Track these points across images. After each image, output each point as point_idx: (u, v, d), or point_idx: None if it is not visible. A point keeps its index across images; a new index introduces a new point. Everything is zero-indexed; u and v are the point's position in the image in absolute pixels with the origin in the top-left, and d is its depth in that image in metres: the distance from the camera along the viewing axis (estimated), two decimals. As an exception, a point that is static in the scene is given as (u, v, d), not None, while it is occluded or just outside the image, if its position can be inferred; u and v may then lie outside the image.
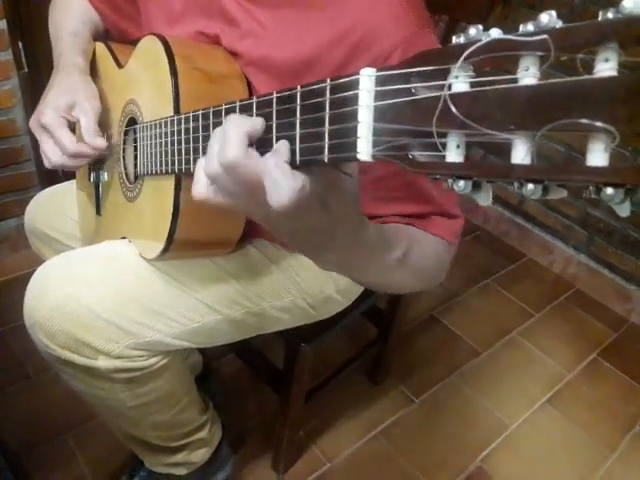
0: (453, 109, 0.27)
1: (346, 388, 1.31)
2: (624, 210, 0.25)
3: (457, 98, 0.28)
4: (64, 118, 0.74)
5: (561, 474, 1.26)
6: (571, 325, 1.67)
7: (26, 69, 1.44)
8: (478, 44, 0.26)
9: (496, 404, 1.39)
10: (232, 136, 0.39)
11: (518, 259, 1.91)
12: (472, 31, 0.27)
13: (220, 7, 0.70)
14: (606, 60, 0.23)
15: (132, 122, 0.76)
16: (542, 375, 1.49)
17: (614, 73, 0.23)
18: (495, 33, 0.27)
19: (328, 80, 0.36)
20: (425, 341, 1.54)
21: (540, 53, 0.25)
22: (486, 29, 0.28)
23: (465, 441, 1.29)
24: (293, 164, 0.39)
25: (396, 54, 0.60)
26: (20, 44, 1.40)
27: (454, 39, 0.28)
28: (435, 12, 1.08)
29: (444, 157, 0.29)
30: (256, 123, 0.41)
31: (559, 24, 0.25)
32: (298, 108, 0.38)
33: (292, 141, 0.39)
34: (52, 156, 0.74)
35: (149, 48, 0.70)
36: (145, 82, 0.72)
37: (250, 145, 0.40)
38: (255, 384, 1.33)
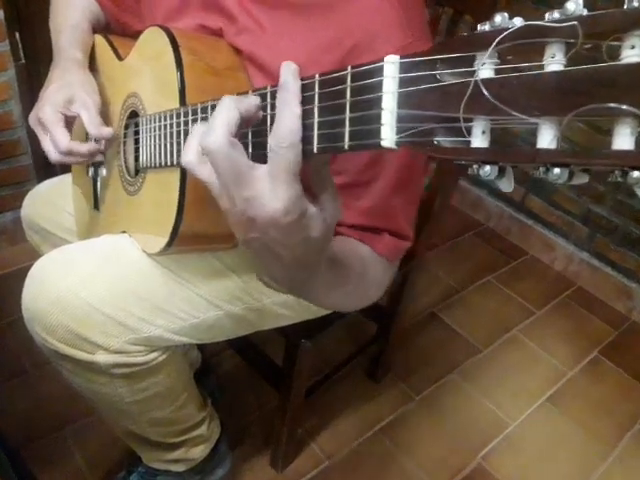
0: (486, 93, 0.27)
1: (346, 385, 1.31)
2: None
3: (485, 83, 0.28)
4: (62, 114, 0.73)
5: (561, 472, 1.26)
6: (572, 323, 1.66)
7: (23, 60, 1.42)
8: (509, 30, 0.26)
9: (496, 402, 1.38)
10: (217, 123, 0.39)
11: (520, 256, 1.90)
12: (498, 19, 0.27)
13: (218, 2, 0.70)
14: (632, 47, 0.24)
15: (133, 115, 0.75)
16: (543, 373, 1.49)
17: None
18: (518, 22, 0.27)
19: (349, 67, 0.36)
20: (425, 338, 1.54)
21: (567, 40, 0.25)
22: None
23: (465, 439, 1.29)
24: (310, 152, 0.39)
25: None
26: (17, 35, 1.39)
27: (479, 27, 0.28)
28: (439, 4, 1.07)
29: (469, 143, 0.29)
30: (250, 103, 0.42)
31: (585, 12, 0.25)
32: (316, 96, 0.38)
33: (310, 128, 0.39)
34: (52, 153, 0.73)
35: (153, 39, 0.69)
36: (148, 74, 0.71)
37: (246, 126, 0.42)
38: (254, 381, 1.32)
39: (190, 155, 0.42)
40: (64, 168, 0.98)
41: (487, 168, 0.29)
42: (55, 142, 0.71)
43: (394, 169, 0.64)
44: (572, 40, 0.25)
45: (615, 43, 0.24)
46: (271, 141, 0.38)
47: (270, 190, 0.39)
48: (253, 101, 0.42)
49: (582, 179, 0.27)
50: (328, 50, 0.62)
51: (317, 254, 0.46)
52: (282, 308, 0.84)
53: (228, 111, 0.40)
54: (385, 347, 1.32)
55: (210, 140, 0.39)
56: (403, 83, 0.33)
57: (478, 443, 1.28)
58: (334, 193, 0.43)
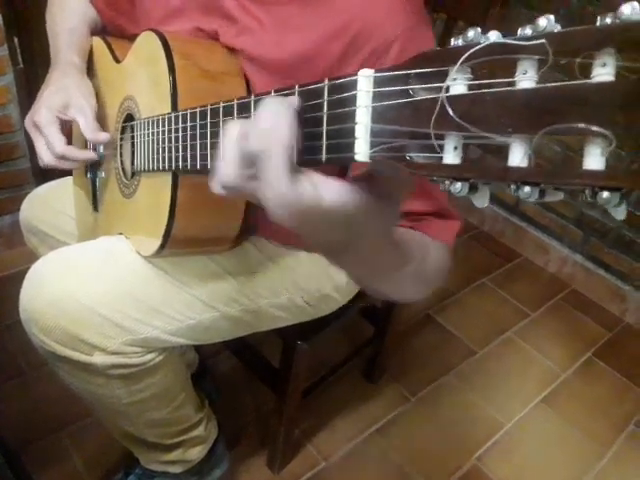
0: (450, 111, 0.27)
1: (342, 386, 1.31)
2: (620, 213, 0.25)
3: (454, 100, 0.28)
4: (58, 117, 0.73)
5: (556, 472, 1.27)
6: (566, 325, 1.67)
7: (21, 65, 1.43)
8: (476, 47, 0.26)
9: (491, 403, 1.39)
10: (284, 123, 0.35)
11: (514, 259, 1.91)
12: (470, 33, 0.27)
13: (218, 4, 0.70)
14: (603, 65, 0.23)
15: (129, 118, 0.76)
16: (537, 374, 1.50)
17: (611, 78, 0.23)
18: (494, 36, 0.27)
19: (326, 80, 0.36)
20: (421, 340, 1.54)
21: (538, 57, 0.25)
22: (485, 30, 0.27)
23: (461, 439, 1.30)
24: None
25: (394, 48, 0.60)
26: (16, 40, 1.40)
27: (452, 41, 0.28)
28: (433, 11, 1.08)
29: (441, 159, 0.29)
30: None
31: (557, 28, 0.25)
32: None
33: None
34: (44, 156, 0.74)
35: (147, 44, 0.70)
36: (143, 78, 0.72)
37: None
38: (251, 382, 1.33)
39: (230, 169, 0.37)
40: (62, 171, 0.98)
41: (458, 185, 0.29)
42: (50, 145, 0.72)
43: None
44: (543, 57, 0.25)
45: (587, 60, 0.24)
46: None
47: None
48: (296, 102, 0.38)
49: (556, 196, 0.27)
50: (333, 39, 0.62)
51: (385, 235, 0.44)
52: (278, 310, 0.85)
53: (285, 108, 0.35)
54: (381, 349, 1.33)
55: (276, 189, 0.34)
56: (377, 97, 0.33)
57: (474, 444, 1.29)
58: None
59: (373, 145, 0.33)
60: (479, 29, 0.27)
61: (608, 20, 0.23)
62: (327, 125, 0.36)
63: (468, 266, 1.83)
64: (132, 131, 0.74)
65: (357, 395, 1.35)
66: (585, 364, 1.55)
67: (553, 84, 0.24)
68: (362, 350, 1.30)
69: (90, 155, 0.76)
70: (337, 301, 0.93)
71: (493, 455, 1.27)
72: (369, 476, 1.20)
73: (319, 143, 0.36)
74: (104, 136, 0.74)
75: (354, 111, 0.33)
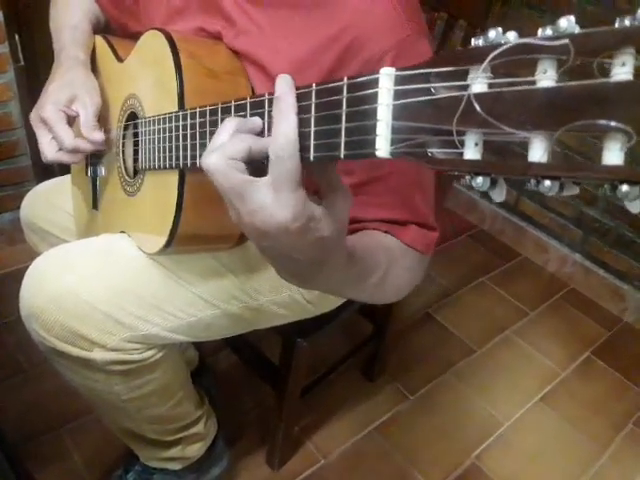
0: (478, 108, 0.28)
1: (341, 384, 1.32)
2: (636, 206, 0.26)
3: (478, 98, 0.29)
4: (64, 112, 0.74)
5: (554, 471, 1.27)
6: (565, 324, 1.68)
7: (22, 62, 1.43)
8: (505, 47, 0.27)
9: (490, 401, 1.40)
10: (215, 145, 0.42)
11: (513, 258, 1.91)
12: (492, 34, 0.28)
13: (218, 5, 0.70)
14: (623, 64, 0.24)
15: (132, 117, 0.76)
16: (536, 373, 1.50)
17: (630, 77, 0.24)
18: (512, 36, 0.27)
19: (345, 78, 0.37)
20: (420, 338, 1.55)
21: (559, 57, 0.26)
22: (485, 29, 0.28)
23: (459, 438, 1.30)
24: (307, 161, 0.39)
25: (387, 58, 0.60)
26: (17, 37, 1.40)
27: (473, 41, 0.29)
28: (434, 10, 1.08)
29: (462, 154, 0.30)
30: (255, 124, 0.43)
31: (577, 29, 0.26)
32: (313, 106, 0.39)
33: (306, 138, 0.39)
34: (48, 151, 0.74)
35: (153, 43, 0.70)
36: (148, 77, 0.72)
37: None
38: (251, 379, 1.33)
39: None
40: (63, 169, 0.98)
41: (479, 179, 0.30)
42: (60, 140, 0.72)
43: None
44: (564, 57, 0.26)
45: (606, 60, 0.25)
46: (270, 152, 0.39)
47: (274, 200, 0.40)
48: (257, 124, 0.44)
49: (573, 191, 0.28)
50: (328, 46, 0.62)
51: (332, 252, 0.47)
52: (279, 307, 0.85)
53: (227, 134, 0.42)
54: (380, 347, 1.33)
55: (207, 161, 0.41)
56: (398, 95, 0.33)
57: (472, 442, 1.29)
58: (343, 190, 0.43)
59: (394, 142, 0.34)
60: (500, 29, 0.28)
61: (627, 22, 0.24)
62: (346, 122, 0.37)
63: (467, 265, 1.84)
64: (135, 129, 0.75)
65: (356, 393, 1.35)
66: (584, 363, 1.55)
67: (574, 83, 0.25)
68: (361, 348, 1.31)
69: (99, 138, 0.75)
70: (337, 299, 0.93)
71: (491, 453, 1.27)
72: (368, 474, 1.20)
73: (337, 140, 0.37)
74: (97, 135, 0.74)
75: (375, 108, 0.34)
